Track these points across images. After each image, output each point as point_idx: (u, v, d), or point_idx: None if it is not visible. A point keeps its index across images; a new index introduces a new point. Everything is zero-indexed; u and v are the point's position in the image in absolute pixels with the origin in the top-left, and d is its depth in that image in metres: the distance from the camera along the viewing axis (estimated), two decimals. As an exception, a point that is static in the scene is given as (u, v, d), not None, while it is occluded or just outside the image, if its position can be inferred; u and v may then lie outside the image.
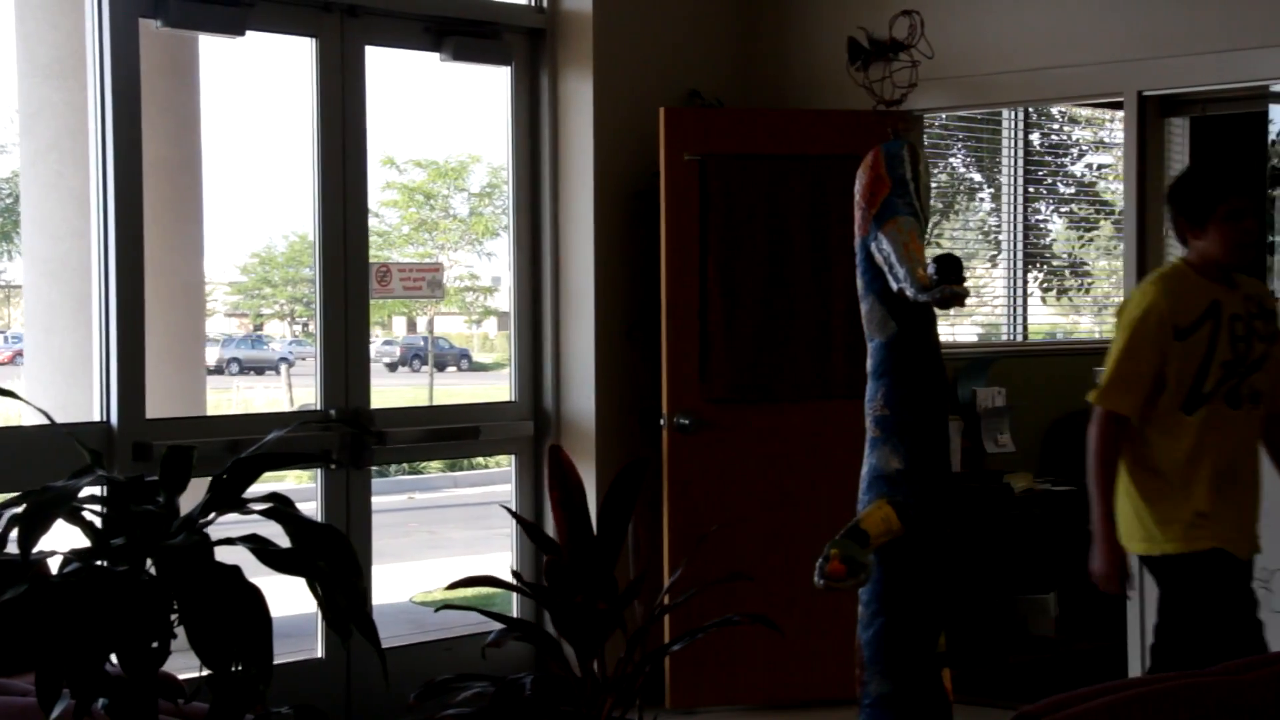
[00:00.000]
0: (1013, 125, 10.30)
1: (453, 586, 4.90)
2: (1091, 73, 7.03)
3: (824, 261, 7.26)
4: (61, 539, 3.34)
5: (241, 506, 3.38)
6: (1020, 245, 10.36)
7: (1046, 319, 11.70)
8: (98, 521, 3.34)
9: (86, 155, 6.24)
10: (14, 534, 3.08)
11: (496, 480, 11.31)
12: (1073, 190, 11.28)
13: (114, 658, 3.24)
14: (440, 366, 15.11)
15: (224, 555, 3.32)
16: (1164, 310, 5.15)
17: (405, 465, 12.21)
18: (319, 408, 6.81)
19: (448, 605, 5.29)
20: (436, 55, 7.22)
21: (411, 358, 15.13)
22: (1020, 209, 10.39)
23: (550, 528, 5.97)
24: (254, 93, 9.01)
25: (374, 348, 13.75)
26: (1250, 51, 6.60)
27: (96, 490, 3.40)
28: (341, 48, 6.81)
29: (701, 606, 6.17)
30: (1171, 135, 10.12)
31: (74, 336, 7.03)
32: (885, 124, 5.41)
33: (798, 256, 7.30)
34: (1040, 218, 11.00)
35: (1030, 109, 10.31)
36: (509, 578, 5.04)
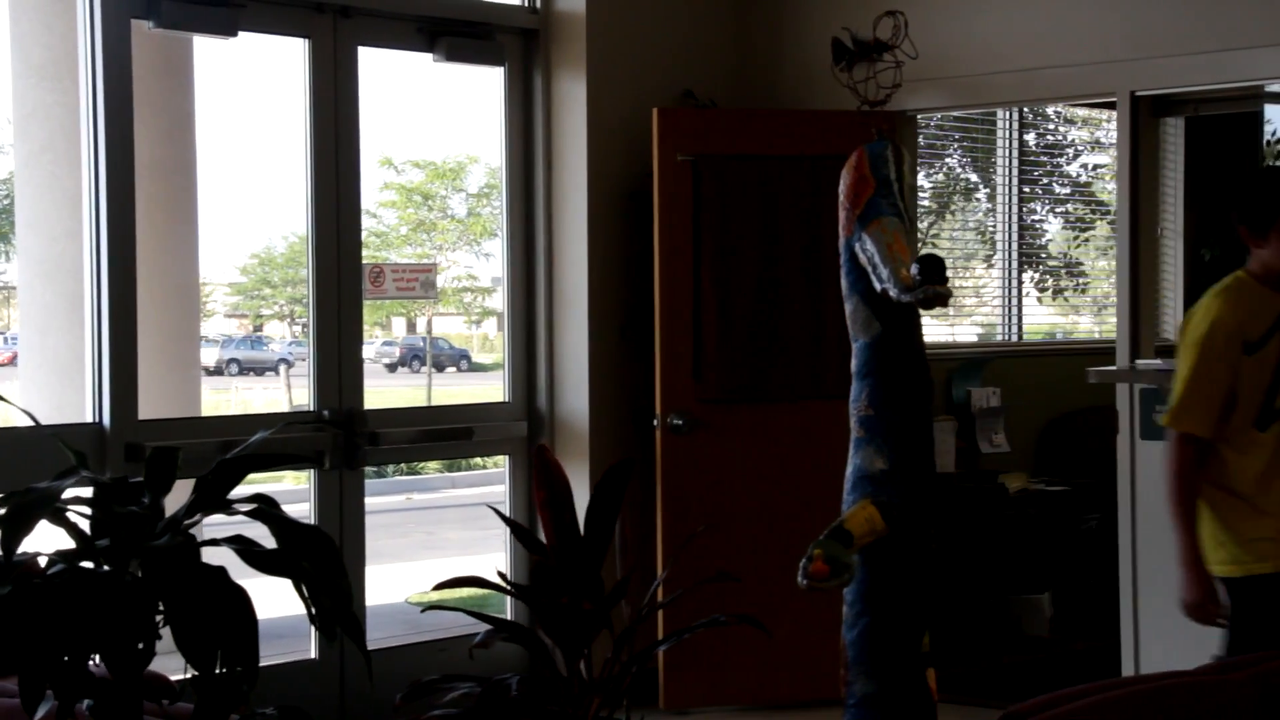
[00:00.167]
0: (1007, 125, 10.31)
1: (439, 587, 4.90)
2: (1084, 73, 7.04)
3: (817, 262, 7.26)
4: (54, 540, 3.34)
5: (226, 507, 3.38)
6: (1015, 245, 10.37)
7: (1046, 319, 11.70)
8: (83, 523, 3.34)
9: (80, 156, 6.24)
10: (-3, 536, 3.08)
11: (494, 481, 11.30)
12: (1068, 190, 11.28)
13: (100, 659, 3.24)
14: (440, 367, 15.09)
15: (213, 557, 3.32)
16: (1231, 325, 4.94)
17: (404, 466, 12.20)
18: (312, 409, 6.81)
19: (434, 606, 5.28)
20: (430, 56, 7.22)
21: (411, 358, 15.12)
22: (1015, 209, 10.39)
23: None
24: (251, 93, 9.00)
25: (374, 348, 13.74)
26: (1242, 51, 6.61)
27: (84, 491, 3.40)
28: (334, 48, 6.81)
29: (695, 607, 6.17)
30: (1167, 135, 10.14)
31: (68, 338, 7.02)
32: (869, 124, 5.41)
33: (791, 257, 7.30)
34: (1036, 218, 11.00)
35: (1025, 109, 10.31)
36: (502, 578, 5.03)
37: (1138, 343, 6.91)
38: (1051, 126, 11.13)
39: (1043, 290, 11.04)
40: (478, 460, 11.67)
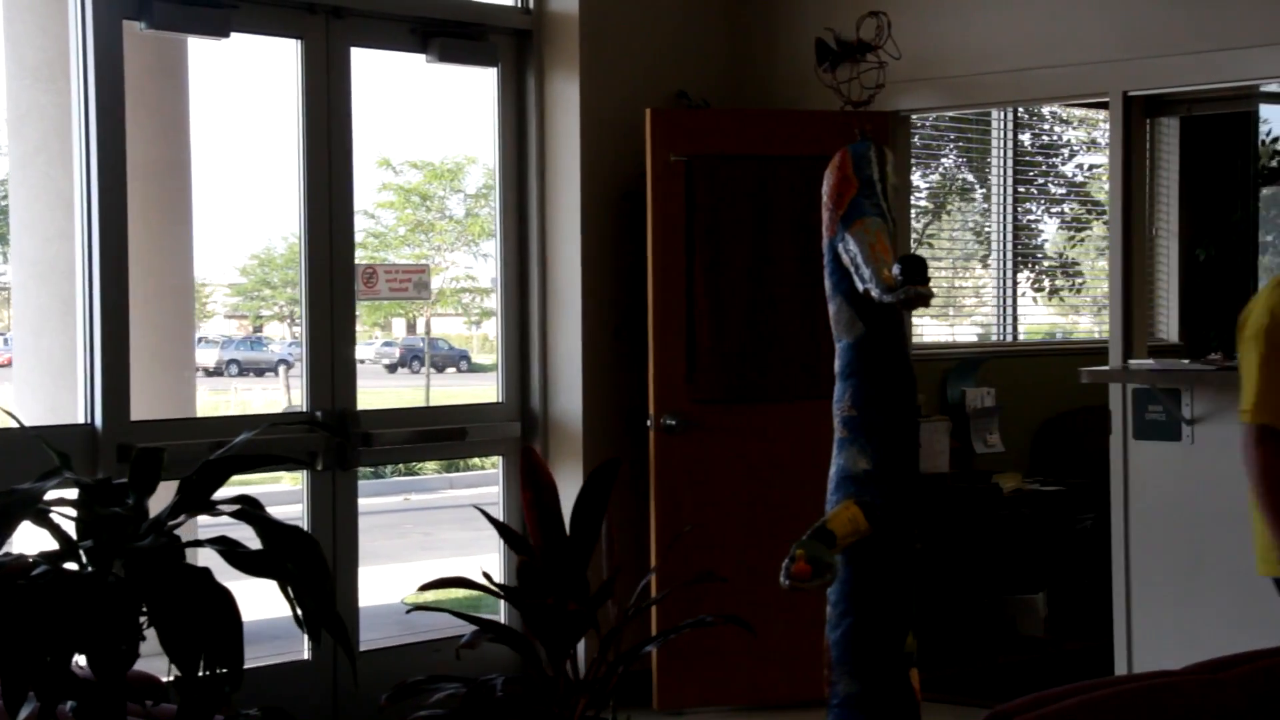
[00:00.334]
0: (1002, 126, 10.31)
1: (425, 588, 4.90)
2: (1077, 73, 7.04)
3: (810, 262, 7.22)
4: (43, 543, 3.34)
5: (210, 508, 3.38)
6: (1010, 246, 10.37)
7: (1047, 319, 11.70)
8: (67, 525, 3.34)
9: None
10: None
11: (491, 482, 11.31)
12: (1064, 190, 11.28)
13: (85, 660, 3.24)
14: (440, 368, 15.09)
15: (201, 559, 3.33)
16: None
17: (402, 467, 12.19)
18: (306, 409, 6.82)
19: (419, 606, 5.28)
20: (423, 57, 7.22)
21: (411, 359, 15.12)
22: (1010, 209, 10.39)
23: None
24: (248, 94, 9.00)
25: (373, 349, 13.73)
26: (1235, 51, 6.61)
27: (70, 493, 3.40)
28: (327, 49, 6.81)
29: (688, 607, 6.19)
30: (1162, 136, 10.14)
31: (63, 339, 7.02)
32: (852, 124, 5.41)
33: (784, 257, 7.30)
34: (1032, 218, 11.00)
35: (1021, 109, 10.31)
36: (488, 579, 5.04)
37: (1130, 343, 6.91)
38: (1047, 126, 11.13)
39: (1038, 290, 11.03)
40: (475, 461, 11.67)
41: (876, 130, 7.26)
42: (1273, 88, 9.48)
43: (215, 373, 13.41)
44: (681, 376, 7.26)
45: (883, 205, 5.16)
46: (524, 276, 7.55)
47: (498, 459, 7.64)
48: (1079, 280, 11.38)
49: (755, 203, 7.33)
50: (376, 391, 12.62)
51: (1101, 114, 10.79)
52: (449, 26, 7.22)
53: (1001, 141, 10.31)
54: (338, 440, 6.70)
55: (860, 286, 5.02)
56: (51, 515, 3.31)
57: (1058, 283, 11.22)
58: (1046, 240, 11.21)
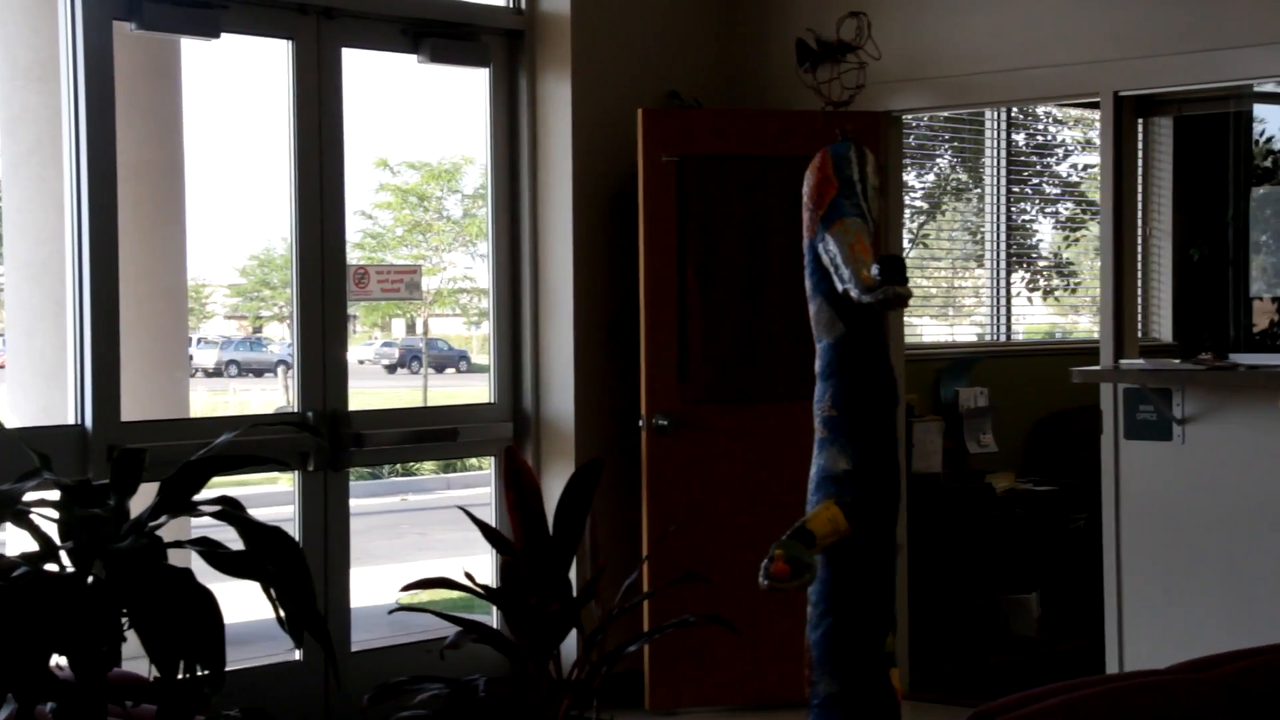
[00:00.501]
0: (995, 126, 10.31)
1: (408, 588, 4.91)
2: (1068, 73, 7.04)
3: (801, 262, 7.25)
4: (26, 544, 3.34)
5: (191, 509, 3.39)
6: (1004, 246, 10.37)
7: (1046, 319, 11.70)
8: (48, 526, 3.34)
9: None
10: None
11: (488, 482, 11.31)
12: (1059, 190, 11.28)
13: (66, 661, 3.24)
14: (440, 368, 15.08)
15: (185, 560, 3.33)
16: None
17: (399, 467, 12.18)
18: (297, 410, 6.82)
19: (403, 608, 5.28)
20: (414, 57, 7.22)
21: (410, 359, 15.11)
22: (1003, 209, 10.40)
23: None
24: (243, 94, 9.00)
25: (373, 350, 13.72)
26: (1225, 51, 6.60)
27: (55, 494, 3.40)
28: (318, 50, 6.81)
29: (678, 607, 6.19)
30: (1156, 136, 10.14)
31: (56, 340, 7.02)
32: (832, 125, 5.40)
33: (775, 257, 7.30)
34: (1027, 218, 11.00)
35: (1015, 110, 10.31)
36: (470, 579, 5.04)
37: (1121, 342, 6.91)
38: (1041, 127, 11.13)
39: (1033, 290, 11.03)
40: (473, 461, 11.66)
41: (867, 130, 7.31)
42: (1270, 87, 9.48)
43: (215, 373, 13.40)
44: (673, 377, 7.26)
45: (863, 206, 5.16)
46: (516, 277, 7.55)
47: (488, 459, 7.64)
48: (1074, 280, 11.37)
49: (747, 203, 7.33)
50: (376, 392, 12.60)
51: (1096, 114, 10.79)
52: (440, 27, 7.23)
53: (995, 141, 10.31)
54: (321, 441, 6.70)
55: (840, 287, 5.02)
56: (32, 516, 3.32)
57: (1053, 283, 11.22)
58: (1041, 240, 11.20)
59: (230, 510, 3.35)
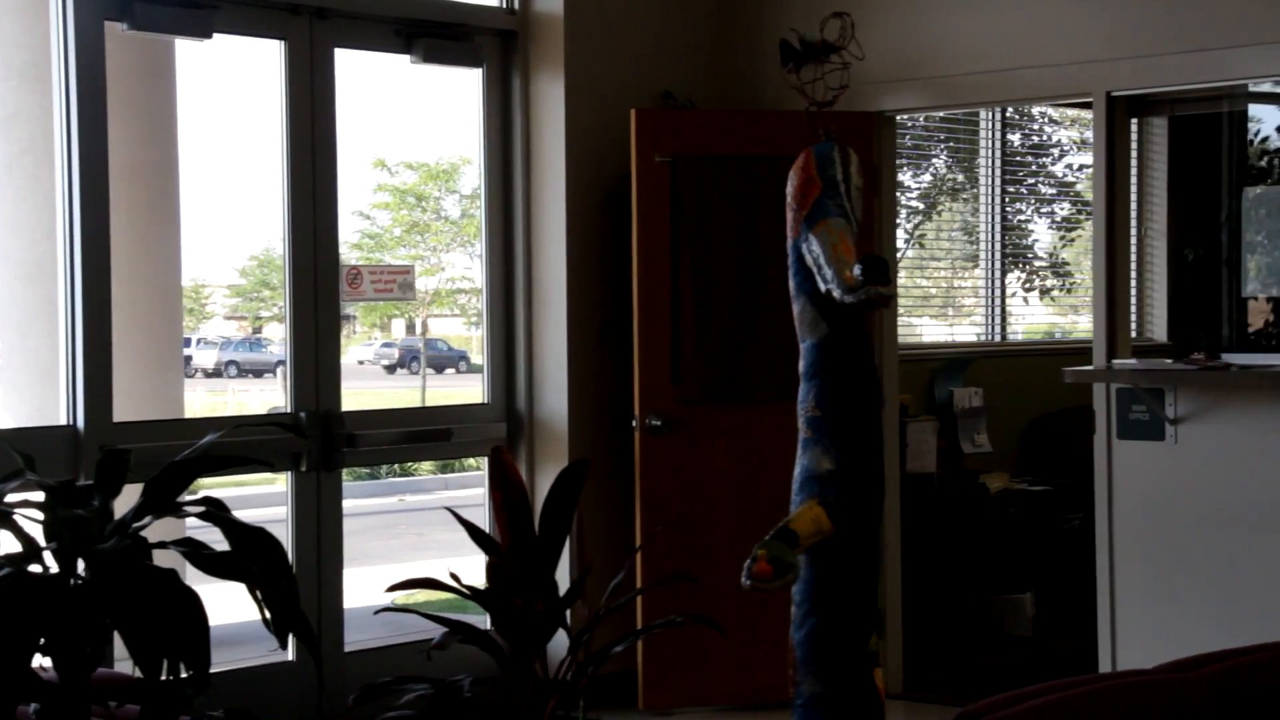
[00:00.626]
0: (990, 126, 10.31)
1: (394, 589, 4.91)
2: (1061, 73, 7.04)
3: (795, 262, 7.26)
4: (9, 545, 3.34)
5: (175, 509, 3.39)
6: (999, 245, 10.37)
7: (1046, 319, 11.70)
8: (32, 527, 3.35)
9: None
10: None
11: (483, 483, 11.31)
12: (1054, 190, 11.28)
13: (51, 663, 3.24)
14: (439, 368, 15.08)
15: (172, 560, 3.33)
16: None
17: (396, 467, 12.17)
18: (289, 410, 6.83)
19: (387, 608, 5.28)
20: (407, 58, 7.22)
21: (410, 360, 15.11)
22: (998, 209, 10.40)
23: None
24: (240, 95, 9.01)
25: (372, 350, 13.71)
26: (1218, 52, 6.60)
27: (40, 495, 3.40)
28: (310, 50, 6.81)
29: (671, 607, 6.19)
30: (1151, 136, 10.14)
31: (50, 340, 7.02)
32: (816, 125, 5.40)
33: (769, 257, 7.27)
34: (1023, 218, 11.00)
35: (1010, 110, 10.31)
36: (455, 579, 5.04)
37: (1114, 342, 6.91)
38: (1036, 127, 11.13)
39: (1029, 290, 11.03)
40: (470, 461, 11.66)
41: (859, 130, 7.32)
42: (1266, 87, 9.49)
43: (215, 374, 13.41)
44: (667, 377, 7.26)
45: (846, 206, 5.16)
46: (509, 277, 7.55)
47: (482, 460, 7.64)
48: (1069, 280, 11.37)
49: (741, 203, 7.33)
50: (376, 392, 12.60)
51: (1090, 113, 10.80)
52: (433, 27, 7.23)
53: (990, 141, 10.31)
54: (305, 441, 6.70)
55: (822, 287, 5.02)
56: (15, 517, 3.32)
57: (1048, 282, 11.22)
58: (1037, 240, 11.20)
59: (214, 511, 3.35)
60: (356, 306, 10.47)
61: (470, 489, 13.26)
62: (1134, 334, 10.33)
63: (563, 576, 5.31)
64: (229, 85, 8.38)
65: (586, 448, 7.34)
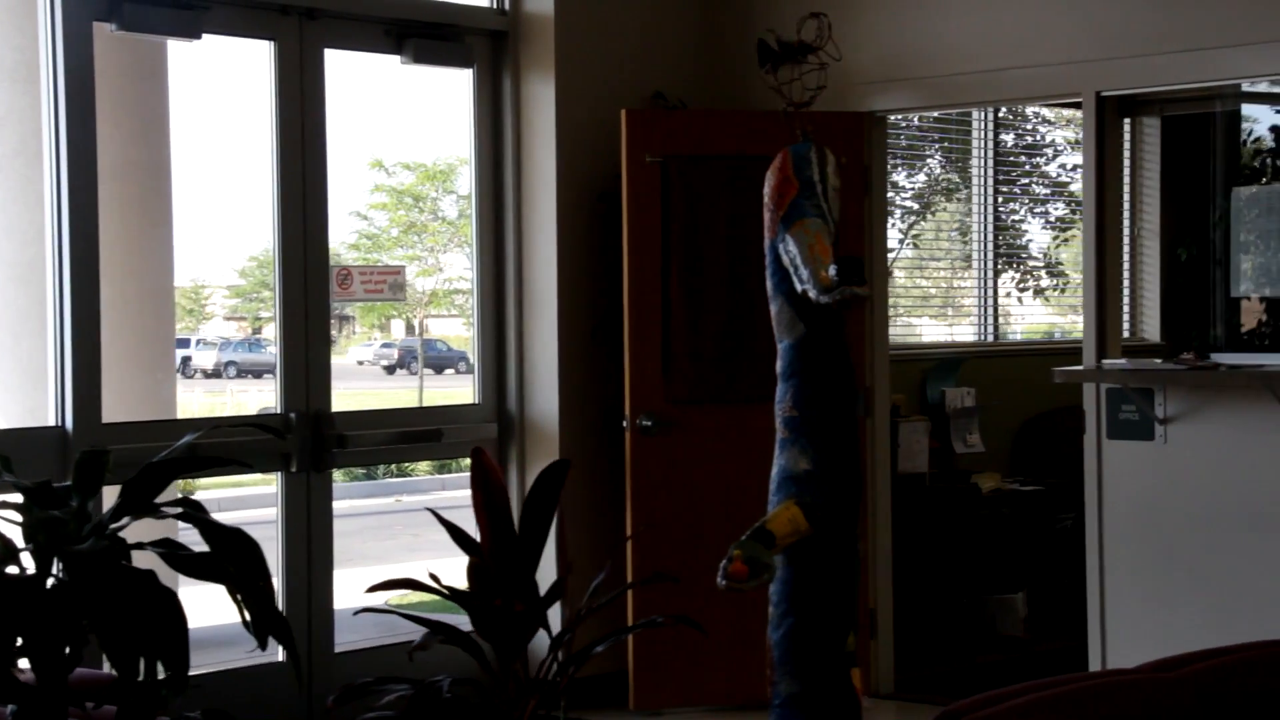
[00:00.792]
0: (982, 126, 10.31)
1: (374, 589, 4.92)
2: (1050, 73, 7.04)
3: (785, 263, 7.26)
4: None
5: (153, 510, 3.39)
6: (991, 245, 10.37)
7: (1046, 319, 11.69)
8: (10, 528, 3.35)
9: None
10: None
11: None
12: (1048, 190, 11.27)
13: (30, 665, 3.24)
14: (439, 369, 15.08)
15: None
16: None
17: (394, 468, 12.17)
18: (279, 411, 6.83)
19: (367, 609, 5.28)
20: (397, 58, 7.22)
21: (410, 360, 15.11)
22: (991, 209, 10.39)
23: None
24: (234, 95, 9.01)
25: (371, 350, 13.71)
26: (1207, 51, 6.60)
27: (16, 497, 3.40)
28: (300, 50, 6.81)
29: (662, 607, 6.19)
30: (1143, 136, 10.14)
31: (42, 342, 7.04)
32: (794, 126, 5.41)
33: (760, 258, 7.25)
34: (1016, 218, 11.00)
35: (1003, 110, 10.31)
36: (435, 580, 5.04)
37: (1104, 342, 6.91)
38: (1030, 127, 11.12)
39: (1023, 290, 11.02)
40: (465, 462, 11.66)
41: (850, 131, 7.33)
42: (1263, 87, 9.48)
43: (214, 374, 13.41)
44: (657, 377, 7.26)
45: (823, 206, 5.16)
46: (500, 277, 7.55)
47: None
48: (1063, 280, 11.37)
49: (731, 203, 7.33)
50: (375, 393, 12.59)
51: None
52: (423, 28, 7.23)
53: (982, 142, 10.31)
54: (313, 442, 6.70)
55: (799, 287, 5.03)
56: (-7, 518, 3.32)
57: (1043, 282, 11.21)
58: (1031, 240, 11.20)
59: (191, 512, 3.35)
60: (355, 307, 10.46)
61: (465, 489, 13.25)
62: (1128, 334, 10.34)
63: (552, 577, 5.32)
64: (222, 86, 8.38)
65: (577, 448, 7.35)
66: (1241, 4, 6.57)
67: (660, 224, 7.27)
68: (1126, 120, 9.98)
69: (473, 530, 5.26)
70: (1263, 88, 9.59)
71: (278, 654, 6.74)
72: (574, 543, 6.94)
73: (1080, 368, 6.96)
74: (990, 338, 10.32)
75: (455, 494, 13.77)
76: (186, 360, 11.16)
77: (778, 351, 5.35)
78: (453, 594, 4.92)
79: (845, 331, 5.31)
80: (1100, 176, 6.92)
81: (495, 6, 7.49)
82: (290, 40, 6.79)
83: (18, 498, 3.39)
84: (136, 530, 4.06)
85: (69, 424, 6.14)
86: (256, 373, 14.57)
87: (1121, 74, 6.86)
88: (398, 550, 12.59)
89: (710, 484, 7.29)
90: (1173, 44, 6.68)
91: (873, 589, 7.61)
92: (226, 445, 6.04)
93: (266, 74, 6.83)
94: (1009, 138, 10.87)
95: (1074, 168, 11.18)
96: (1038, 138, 11.20)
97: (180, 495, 3.52)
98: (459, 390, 14.94)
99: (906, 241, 10.69)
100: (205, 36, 6.54)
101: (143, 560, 3.47)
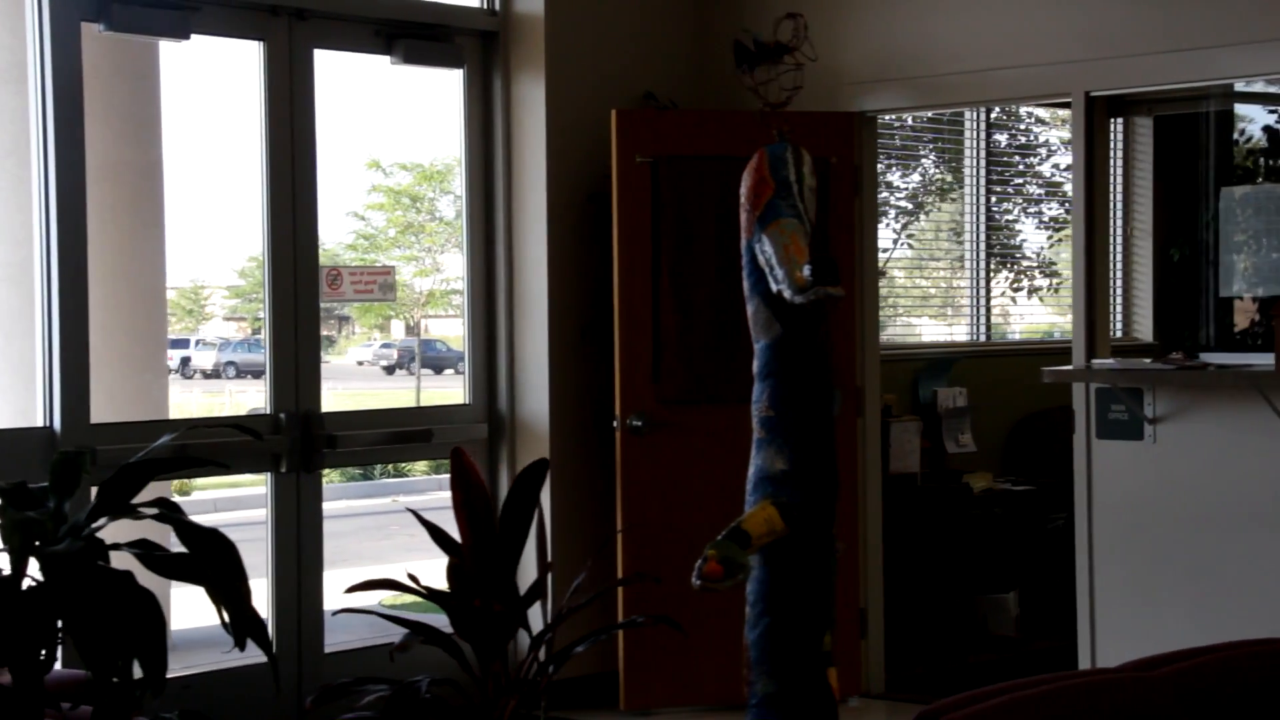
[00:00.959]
0: (975, 126, 10.31)
1: (352, 590, 4.92)
2: (1040, 73, 7.04)
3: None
4: None
5: (130, 511, 3.39)
6: (984, 245, 10.37)
7: (1045, 318, 11.68)
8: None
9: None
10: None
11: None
12: (1042, 190, 11.27)
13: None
14: (438, 369, 15.07)
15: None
16: None
17: (391, 468, 12.17)
18: (269, 411, 6.83)
19: (345, 610, 5.29)
20: (387, 59, 7.22)
21: (409, 361, 15.10)
22: (983, 209, 10.39)
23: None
24: (229, 96, 9.01)
25: (371, 351, 13.71)
26: (1196, 52, 6.61)
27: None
28: (289, 51, 6.82)
29: (652, 607, 6.19)
30: (1136, 135, 10.14)
31: (34, 342, 7.04)
32: (770, 126, 5.41)
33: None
34: (1010, 218, 10.99)
35: (996, 110, 10.31)
36: (414, 580, 5.04)
37: (1094, 342, 6.91)
38: (1023, 127, 11.12)
39: (1017, 290, 11.02)
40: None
41: (840, 130, 7.33)
42: (1258, 86, 9.48)
43: (214, 375, 13.40)
44: (647, 377, 7.27)
45: (799, 206, 5.17)
46: (490, 277, 7.56)
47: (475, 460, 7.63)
48: (1056, 280, 11.36)
49: (722, 204, 7.30)
50: (374, 393, 12.59)
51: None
52: (413, 28, 7.23)
53: (975, 141, 10.31)
54: (303, 442, 6.70)
55: (774, 287, 5.03)
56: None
57: (1036, 282, 11.21)
58: (1025, 240, 11.20)
59: (167, 512, 3.35)
60: (353, 308, 10.46)
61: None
62: (1120, 334, 10.34)
63: (535, 578, 5.32)
64: (213, 86, 8.39)
65: (568, 448, 7.36)
66: (1231, 4, 6.57)
67: (650, 224, 7.27)
68: (1119, 120, 9.99)
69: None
70: (1258, 87, 9.59)
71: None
72: (564, 543, 6.97)
73: (1069, 368, 6.97)
74: (982, 338, 10.31)
75: (449, 494, 13.80)
76: (186, 361, 11.16)
77: (754, 351, 5.35)
78: (431, 594, 4.92)
79: (822, 332, 5.31)
80: (1090, 176, 6.92)
81: (485, 7, 7.49)
82: (280, 41, 6.79)
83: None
84: (120, 531, 4.07)
85: (57, 424, 6.14)
86: (256, 373, 14.54)
87: (1110, 74, 6.87)
88: (393, 550, 12.58)
89: (701, 484, 7.29)
90: (1162, 44, 6.69)
91: (864, 589, 7.61)
92: (218, 445, 6.07)
93: (256, 74, 6.83)
94: (1002, 138, 10.86)
95: (1067, 168, 11.17)
96: (1031, 138, 11.20)
97: (175, 495, 3.51)
98: (458, 390, 14.99)
99: (902, 241, 10.69)
100: (194, 37, 6.53)
101: (124, 562, 3.48)
